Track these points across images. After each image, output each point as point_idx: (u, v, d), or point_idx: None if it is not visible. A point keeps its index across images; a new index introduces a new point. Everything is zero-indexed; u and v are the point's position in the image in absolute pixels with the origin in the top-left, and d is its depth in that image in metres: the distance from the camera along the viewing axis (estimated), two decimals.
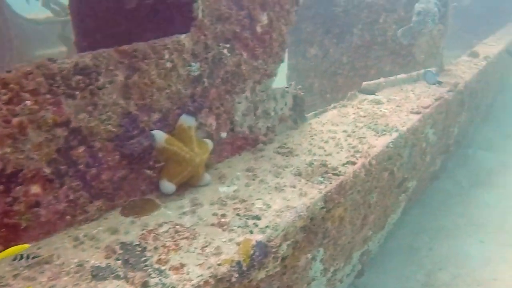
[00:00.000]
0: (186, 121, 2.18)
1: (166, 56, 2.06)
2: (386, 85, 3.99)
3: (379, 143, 2.87)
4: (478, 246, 5.01)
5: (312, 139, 2.88)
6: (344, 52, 5.14)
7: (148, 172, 2.11)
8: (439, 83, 4.24)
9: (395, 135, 3.01)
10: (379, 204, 3.19)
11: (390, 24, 4.77)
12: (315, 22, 5.26)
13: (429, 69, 4.37)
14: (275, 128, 2.86)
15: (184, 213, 2.03)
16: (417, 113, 3.44)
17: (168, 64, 2.07)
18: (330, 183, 2.37)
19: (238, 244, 1.85)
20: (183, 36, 2.12)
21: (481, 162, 7.42)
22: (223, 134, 2.47)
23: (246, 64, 2.47)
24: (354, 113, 3.36)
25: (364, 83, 3.85)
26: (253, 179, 2.35)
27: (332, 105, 3.49)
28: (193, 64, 2.18)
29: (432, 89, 4.06)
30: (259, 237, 1.90)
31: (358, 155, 2.67)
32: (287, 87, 2.89)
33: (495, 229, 5.36)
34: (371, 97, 3.72)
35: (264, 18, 2.51)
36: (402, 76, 4.16)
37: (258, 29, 2.50)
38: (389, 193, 3.35)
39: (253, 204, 2.13)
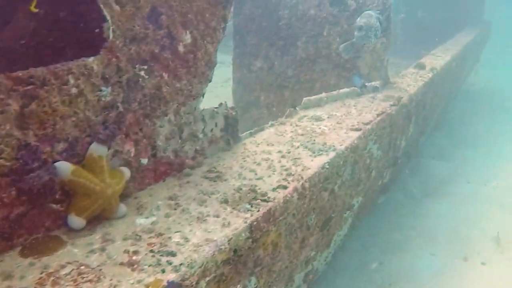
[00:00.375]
0: (97, 150, 2.02)
1: (71, 82, 1.90)
2: (328, 100, 3.91)
3: (314, 164, 2.77)
4: (428, 259, 4.99)
5: (244, 161, 2.76)
6: (289, 65, 5.05)
7: (54, 206, 1.94)
8: (365, 86, 4.22)
9: (332, 154, 2.93)
10: (319, 225, 3.10)
11: (334, 37, 4.71)
12: (259, 35, 5.15)
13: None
14: (204, 150, 2.72)
15: (92, 251, 1.86)
16: (357, 129, 3.37)
17: (74, 90, 1.91)
18: (258, 211, 2.24)
19: (147, 286, 1.70)
20: (91, 59, 1.96)
21: (432, 171, 7.48)
22: (144, 161, 2.32)
23: (168, 85, 2.34)
24: (292, 131, 3.26)
25: (304, 98, 3.76)
26: (175, 209, 2.21)
27: (270, 123, 3.38)
28: (103, 88, 2.03)
29: (375, 104, 4.01)
30: (171, 276, 1.76)
31: (290, 178, 2.56)
32: (216, 108, 2.76)
33: (445, 241, 5.37)
34: (311, 113, 3.63)
35: (186, 37, 2.38)
36: (345, 90, 4.10)
37: (181, 49, 2.36)
38: (331, 213, 3.26)
39: (170, 238, 1.98)
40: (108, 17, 2.01)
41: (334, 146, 3.04)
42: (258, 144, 3.02)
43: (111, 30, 2.02)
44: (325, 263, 3.90)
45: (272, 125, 3.36)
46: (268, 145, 3.01)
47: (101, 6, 1.97)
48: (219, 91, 6.38)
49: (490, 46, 13.06)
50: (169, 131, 2.43)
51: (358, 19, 3.89)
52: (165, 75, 2.30)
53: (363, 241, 5.18)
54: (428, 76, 5.26)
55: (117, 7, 2.03)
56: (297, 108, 3.67)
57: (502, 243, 5.24)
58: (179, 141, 2.51)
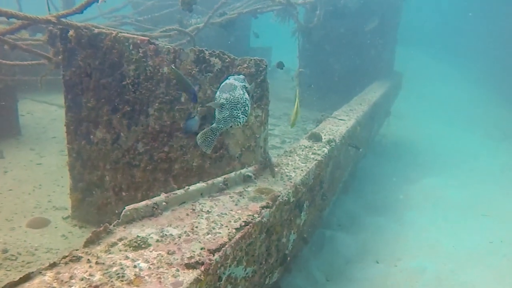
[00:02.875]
0: None
1: None
2: (169, 204, 2.67)
3: None
4: None
5: None
6: (139, 138, 3.77)
7: None
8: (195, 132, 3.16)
9: None
10: None
11: (194, 105, 3.51)
12: (98, 95, 3.86)
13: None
14: None
15: None
16: (197, 264, 2.17)
17: None
18: None
19: None
20: None
21: (339, 247, 6.53)
22: None
23: None
24: (82, 279, 1.98)
25: (126, 208, 2.48)
26: None
27: (53, 261, 2.08)
28: None
29: (240, 206, 2.84)
30: None
31: None
32: None
33: None
34: (135, 232, 2.37)
35: None
36: (198, 186, 2.88)
37: None
38: None
39: None
40: None
41: None
42: None
43: None
44: None
45: (54, 266, 2.05)
46: None
47: None
48: None
49: (403, 96, 12.72)
50: None
51: (218, 93, 2.71)
52: None
53: None
54: (324, 151, 4.19)
55: None
56: (111, 225, 2.39)
57: None
58: None
